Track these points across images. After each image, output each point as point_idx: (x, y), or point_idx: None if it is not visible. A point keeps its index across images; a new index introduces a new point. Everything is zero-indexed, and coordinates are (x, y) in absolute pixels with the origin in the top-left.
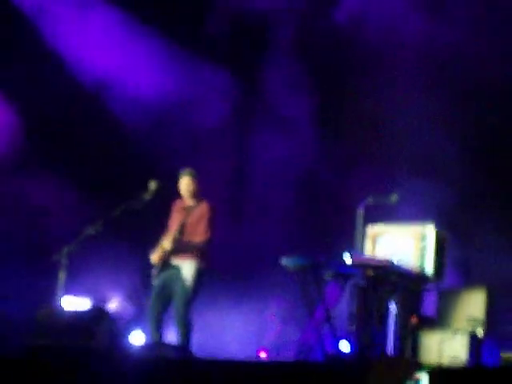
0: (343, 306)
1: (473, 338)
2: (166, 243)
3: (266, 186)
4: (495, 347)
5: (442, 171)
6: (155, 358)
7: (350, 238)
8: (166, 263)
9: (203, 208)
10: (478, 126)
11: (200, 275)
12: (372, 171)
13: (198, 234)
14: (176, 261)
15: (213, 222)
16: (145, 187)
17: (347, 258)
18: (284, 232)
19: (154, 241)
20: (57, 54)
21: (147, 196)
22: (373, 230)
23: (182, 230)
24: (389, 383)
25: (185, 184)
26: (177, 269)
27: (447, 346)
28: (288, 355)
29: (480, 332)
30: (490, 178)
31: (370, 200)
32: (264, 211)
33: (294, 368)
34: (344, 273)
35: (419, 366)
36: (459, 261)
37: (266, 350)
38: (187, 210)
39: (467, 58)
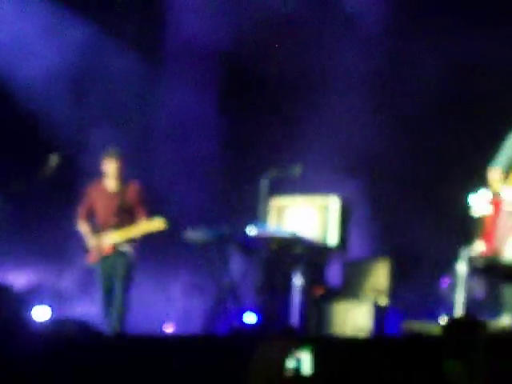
0: (248, 279)
1: (377, 307)
2: (113, 237)
3: (170, 160)
4: (398, 317)
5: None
6: (57, 334)
7: (254, 210)
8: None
9: (134, 191)
10: (394, 97)
11: (135, 259)
12: (277, 143)
13: (135, 219)
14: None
15: (145, 204)
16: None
17: (251, 231)
18: (189, 205)
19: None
20: None
21: (48, 170)
22: (276, 202)
23: (118, 216)
24: (269, 363)
25: (113, 167)
26: (116, 256)
27: (351, 316)
28: (194, 328)
29: (384, 302)
30: (404, 152)
31: (272, 172)
32: (169, 187)
33: (198, 341)
34: (248, 246)
35: (301, 343)
36: (366, 232)
37: (172, 324)
38: (116, 195)
39: None
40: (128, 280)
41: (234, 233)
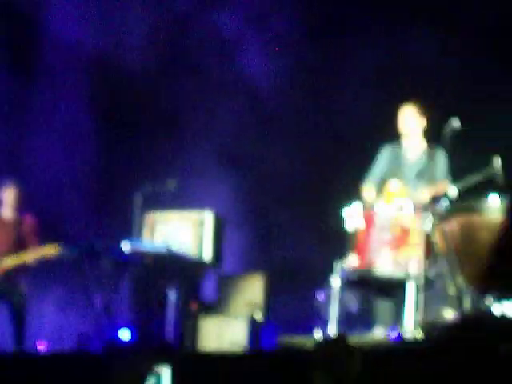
0: (123, 294)
1: (252, 322)
2: (5, 262)
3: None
4: (274, 331)
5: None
6: None
7: (128, 225)
8: None
9: (29, 223)
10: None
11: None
12: (153, 157)
13: (28, 248)
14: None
15: (38, 237)
16: None
17: (125, 246)
18: (62, 219)
19: None
20: None
21: None
22: (151, 217)
23: (11, 244)
24: (129, 380)
25: (12, 197)
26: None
27: (227, 332)
28: (67, 345)
29: (259, 316)
30: (280, 166)
31: (147, 187)
32: (46, 200)
33: (71, 358)
34: (122, 261)
35: (160, 358)
36: (241, 247)
37: (45, 341)
38: (11, 224)
39: None
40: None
41: (107, 248)
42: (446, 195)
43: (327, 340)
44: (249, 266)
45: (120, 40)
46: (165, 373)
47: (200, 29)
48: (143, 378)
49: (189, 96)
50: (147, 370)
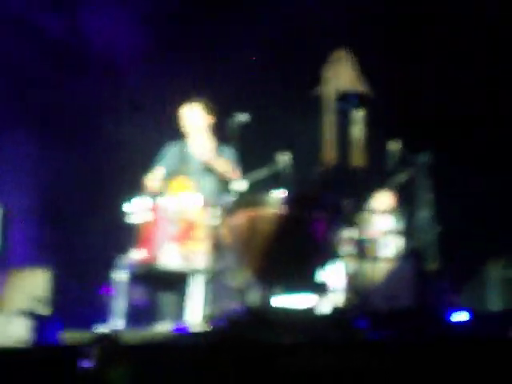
0: None
1: (35, 318)
2: None
3: None
4: (59, 326)
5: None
6: None
7: None
8: None
9: None
10: None
11: None
12: None
13: None
14: None
15: None
16: None
17: None
18: None
19: None
20: None
21: None
22: None
23: None
24: None
25: None
26: None
27: (9, 328)
28: None
29: (43, 311)
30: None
31: None
32: None
33: None
34: None
35: None
36: (28, 241)
37: None
38: None
39: None
40: None
41: None
42: (233, 185)
43: (100, 337)
44: (35, 260)
45: None
46: None
47: None
48: None
49: None
50: None
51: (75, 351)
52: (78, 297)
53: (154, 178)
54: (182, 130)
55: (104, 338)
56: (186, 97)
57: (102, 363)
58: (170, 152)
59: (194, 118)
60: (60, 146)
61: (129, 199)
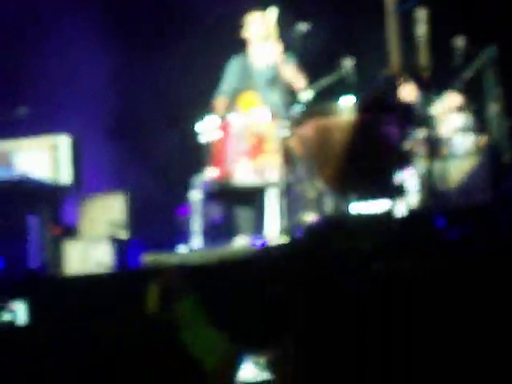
0: None
1: (116, 242)
2: None
3: None
4: (140, 250)
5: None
6: None
7: None
8: None
9: None
10: None
11: None
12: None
13: None
14: None
15: None
16: None
17: None
18: None
19: None
20: None
21: None
22: (3, 145)
23: None
24: None
25: None
26: None
27: (91, 254)
28: None
29: (123, 236)
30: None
31: None
32: None
33: None
34: None
35: (16, 293)
36: (101, 168)
37: None
38: None
39: None
40: None
41: None
42: (300, 95)
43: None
44: (110, 186)
45: None
46: (20, 309)
47: None
48: None
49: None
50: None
51: (158, 272)
52: (157, 219)
53: (221, 99)
54: (247, 40)
55: (164, 272)
56: (249, 7)
57: (167, 301)
58: (234, 68)
59: (259, 26)
60: (135, 65)
61: (201, 119)
